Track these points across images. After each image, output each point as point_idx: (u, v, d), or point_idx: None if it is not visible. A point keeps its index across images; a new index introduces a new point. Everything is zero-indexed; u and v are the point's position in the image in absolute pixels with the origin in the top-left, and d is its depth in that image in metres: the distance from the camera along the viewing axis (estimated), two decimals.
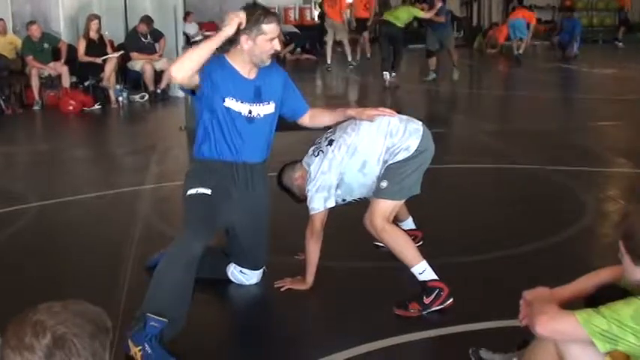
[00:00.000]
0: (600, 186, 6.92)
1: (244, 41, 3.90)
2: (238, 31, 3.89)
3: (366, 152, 4.15)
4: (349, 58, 17.03)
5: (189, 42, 16.52)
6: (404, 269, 4.12)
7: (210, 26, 20.84)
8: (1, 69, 11.75)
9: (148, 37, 12.87)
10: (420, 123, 4.26)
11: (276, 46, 3.96)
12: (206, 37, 4.02)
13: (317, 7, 23.30)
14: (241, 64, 4.00)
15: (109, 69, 12.07)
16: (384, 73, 13.85)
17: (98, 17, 12.30)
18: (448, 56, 14.19)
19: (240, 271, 4.40)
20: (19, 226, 5.80)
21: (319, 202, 4.17)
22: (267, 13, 3.95)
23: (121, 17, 13.76)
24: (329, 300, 4.32)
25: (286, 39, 20.20)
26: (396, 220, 4.80)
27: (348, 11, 17.77)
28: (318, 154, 4.24)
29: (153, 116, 12.08)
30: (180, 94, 11.79)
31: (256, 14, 3.90)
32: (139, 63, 12.71)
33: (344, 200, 4.40)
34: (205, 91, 3.95)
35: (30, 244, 5.40)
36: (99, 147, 9.66)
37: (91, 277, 4.70)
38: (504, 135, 9.43)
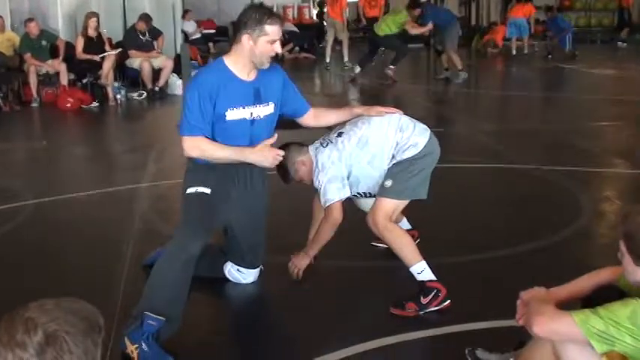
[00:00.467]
0: (598, 186, 6.93)
1: (246, 40, 3.87)
2: (240, 30, 3.87)
3: (376, 145, 4.17)
4: (346, 59, 17.03)
5: (188, 40, 16.56)
6: (401, 269, 4.12)
7: (209, 24, 20.88)
8: None
9: (147, 34, 12.85)
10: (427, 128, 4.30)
11: (277, 48, 3.93)
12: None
13: (316, 5, 23.32)
14: (240, 66, 3.95)
15: (107, 67, 12.06)
16: (356, 66, 14.28)
17: (96, 15, 12.29)
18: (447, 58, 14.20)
19: (238, 269, 4.40)
20: (16, 223, 5.79)
21: (334, 193, 4.18)
22: (271, 14, 3.93)
23: (119, 15, 13.76)
24: (326, 299, 4.32)
25: (285, 38, 20.22)
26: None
27: (348, 10, 17.73)
28: (327, 145, 4.24)
29: (151, 114, 12.07)
30: (178, 92, 11.84)
31: (260, 13, 3.88)
32: (137, 61, 12.69)
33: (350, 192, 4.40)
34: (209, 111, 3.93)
35: (26, 241, 5.39)
36: (96, 145, 9.65)
37: (87, 275, 4.69)
38: (502, 135, 9.44)
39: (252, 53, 3.90)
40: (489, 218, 5.85)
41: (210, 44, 20.58)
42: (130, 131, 10.83)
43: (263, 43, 3.87)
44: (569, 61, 18.00)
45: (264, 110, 4.03)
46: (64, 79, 11.87)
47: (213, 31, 21.14)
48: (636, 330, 2.39)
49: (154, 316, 3.49)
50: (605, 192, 6.70)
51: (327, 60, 17.18)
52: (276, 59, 4.16)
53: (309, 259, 4.39)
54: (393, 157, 4.15)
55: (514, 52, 19.19)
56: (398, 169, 4.11)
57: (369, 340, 3.68)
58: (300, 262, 4.39)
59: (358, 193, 4.42)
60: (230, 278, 4.43)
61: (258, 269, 4.42)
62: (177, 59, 12.23)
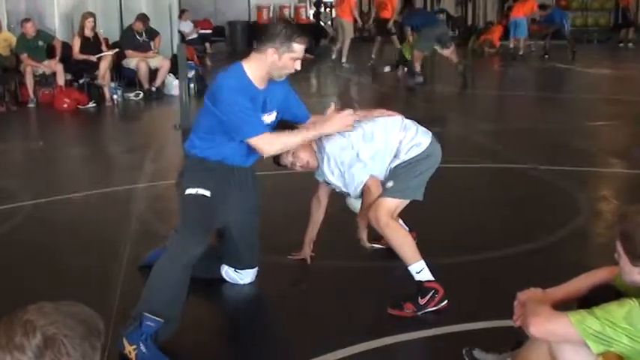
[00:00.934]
0: (594, 186, 6.94)
1: (270, 53, 3.90)
2: (267, 42, 3.91)
3: (381, 141, 4.19)
4: (343, 59, 17.03)
5: (184, 40, 16.53)
6: (399, 269, 4.12)
7: (205, 24, 20.88)
8: None
9: (144, 35, 12.85)
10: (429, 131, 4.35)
11: (298, 66, 3.97)
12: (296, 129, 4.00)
13: (312, 6, 23.33)
14: (257, 73, 3.95)
15: (104, 67, 12.05)
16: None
17: (93, 15, 12.29)
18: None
19: (235, 270, 4.41)
20: (13, 224, 5.78)
21: (360, 174, 4.20)
22: (301, 33, 3.97)
23: (115, 15, 13.76)
24: (323, 299, 4.32)
25: None
26: None
27: (357, 11, 17.71)
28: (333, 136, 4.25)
29: (147, 114, 12.07)
30: (175, 92, 11.83)
31: (290, 31, 3.93)
32: (133, 61, 12.69)
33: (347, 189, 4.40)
34: None
35: (23, 242, 5.38)
36: (93, 145, 9.64)
37: (84, 275, 4.69)
38: (499, 135, 9.44)
39: (273, 66, 3.92)
40: (486, 219, 5.85)
41: (207, 44, 20.58)
42: (126, 131, 10.82)
43: (287, 59, 3.91)
44: (565, 61, 18.01)
45: (268, 118, 4.05)
46: (61, 79, 11.86)
47: (209, 31, 21.15)
48: (633, 330, 2.40)
49: (153, 317, 3.50)
50: (602, 192, 6.71)
51: (344, 60, 17.27)
52: None
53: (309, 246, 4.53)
54: (396, 156, 4.17)
55: (512, 51, 19.19)
56: (401, 171, 4.14)
57: (366, 340, 3.68)
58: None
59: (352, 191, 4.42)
60: (227, 279, 4.43)
61: (255, 269, 4.43)
62: (174, 59, 12.19)
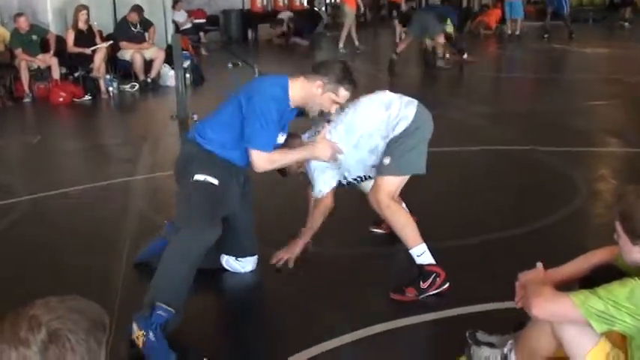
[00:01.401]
0: (593, 166, 6.94)
1: (317, 85, 3.94)
2: (320, 73, 3.96)
3: (361, 126, 4.20)
4: (340, 45, 16.98)
5: (178, 30, 16.49)
6: (400, 254, 4.13)
7: (199, 14, 20.82)
8: None
9: (138, 26, 12.80)
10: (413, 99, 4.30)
11: (333, 110, 4.05)
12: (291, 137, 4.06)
13: None
14: (297, 94, 3.99)
15: (99, 59, 12.00)
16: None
17: (86, 7, 12.22)
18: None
19: (236, 259, 4.40)
20: (11, 219, 5.77)
21: (320, 185, 4.28)
22: (351, 81, 4.03)
23: (109, 7, 13.68)
24: (325, 285, 4.32)
25: (289, 25, 20.28)
26: None
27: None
28: (315, 134, 4.25)
29: (143, 106, 12.03)
30: (171, 83, 11.79)
31: (344, 74, 3.99)
32: (128, 52, 12.64)
33: (345, 179, 4.40)
34: None
35: (21, 238, 5.37)
36: (90, 138, 9.62)
37: (84, 270, 4.67)
38: (496, 117, 9.44)
39: (313, 98, 3.97)
40: (485, 201, 5.85)
41: (201, 34, 20.52)
42: (123, 123, 10.79)
43: (327, 98, 3.97)
44: (562, 42, 17.98)
45: (280, 139, 4.10)
46: (56, 73, 11.81)
47: (203, 20, 21.09)
48: (635, 309, 2.40)
49: (166, 307, 3.50)
50: (600, 171, 6.71)
51: (357, 43, 17.35)
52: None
53: (302, 246, 4.41)
54: (386, 137, 4.16)
55: (509, 31, 19.17)
56: (394, 146, 4.13)
57: (369, 325, 3.69)
58: (292, 250, 4.42)
59: (356, 179, 4.43)
60: (228, 268, 4.43)
61: (256, 257, 4.43)
62: (169, 50, 12.15)
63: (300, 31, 20.60)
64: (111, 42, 12.51)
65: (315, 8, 22.32)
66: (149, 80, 12.62)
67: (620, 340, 2.61)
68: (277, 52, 19.67)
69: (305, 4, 22.84)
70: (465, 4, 25.60)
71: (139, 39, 12.79)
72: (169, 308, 3.51)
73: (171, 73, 11.67)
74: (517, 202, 5.80)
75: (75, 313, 1.59)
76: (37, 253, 5.01)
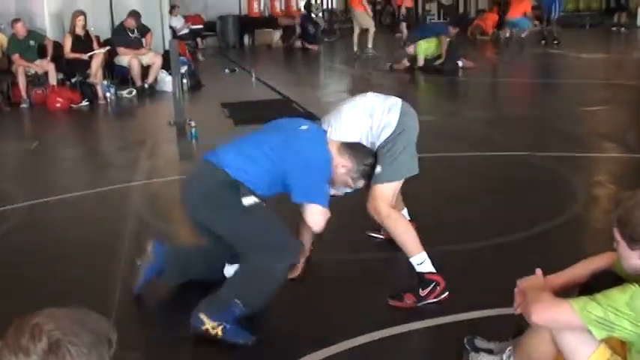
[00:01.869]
0: (590, 171, 6.95)
1: (344, 166, 3.97)
2: (352, 154, 3.99)
3: (347, 138, 4.15)
4: (369, 45, 16.88)
5: (176, 35, 16.51)
6: (399, 260, 4.12)
7: (196, 19, 20.86)
8: None
9: (135, 31, 12.81)
10: (399, 99, 4.28)
11: (340, 193, 4.15)
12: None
13: None
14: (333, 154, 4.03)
15: (96, 65, 12.01)
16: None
17: (83, 13, 12.23)
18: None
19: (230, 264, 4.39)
20: (9, 225, 5.76)
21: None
22: (368, 179, 4.07)
23: (106, 12, 13.69)
24: (323, 292, 4.32)
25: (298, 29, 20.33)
26: None
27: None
28: None
29: (141, 111, 12.03)
30: (168, 88, 11.80)
31: (367, 170, 4.03)
32: (125, 58, 12.65)
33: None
34: None
35: (20, 243, 5.36)
36: (88, 144, 9.62)
37: (82, 275, 4.67)
38: (493, 122, 9.45)
39: (335, 170, 3.95)
40: (482, 206, 5.85)
41: (199, 39, 20.56)
42: (120, 129, 10.79)
43: (344, 179, 4.01)
44: (558, 47, 18.02)
45: None
46: (53, 78, 11.81)
47: (200, 26, 21.14)
48: (635, 315, 2.40)
49: (242, 305, 3.64)
50: (597, 177, 6.71)
51: (355, 49, 17.33)
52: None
53: (303, 264, 4.39)
54: (372, 143, 4.15)
55: (507, 35, 19.23)
56: (382, 152, 4.11)
57: (368, 332, 3.68)
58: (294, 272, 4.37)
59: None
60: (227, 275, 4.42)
61: None
62: (166, 55, 12.16)
63: (309, 36, 20.62)
64: (108, 47, 12.53)
65: (312, 13, 22.32)
66: (146, 86, 12.63)
67: (619, 347, 2.61)
68: (274, 58, 19.69)
69: (302, 9, 22.85)
70: (461, 9, 25.70)
71: (136, 45, 12.81)
72: (245, 307, 3.65)
73: (169, 78, 11.69)
74: (515, 208, 5.80)
75: (79, 325, 1.59)
76: (35, 260, 4.99)
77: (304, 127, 3.99)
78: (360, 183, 4.06)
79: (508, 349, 2.99)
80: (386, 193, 4.11)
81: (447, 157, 7.41)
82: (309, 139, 3.91)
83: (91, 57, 12.05)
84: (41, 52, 12.02)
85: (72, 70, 12.15)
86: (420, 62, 14.22)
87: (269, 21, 22.69)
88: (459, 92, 13.34)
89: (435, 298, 3.99)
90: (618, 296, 2.43)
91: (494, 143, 8.10)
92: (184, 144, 8.89)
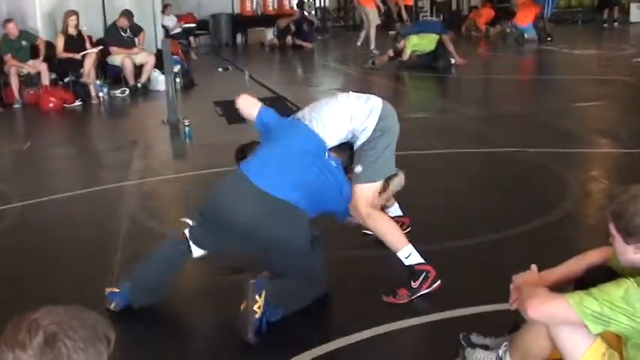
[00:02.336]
0: (583, 166, 6.96)
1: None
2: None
3: (328, 139, 4.14)
4: (372, 46, 16.85)
5: (168, 34, 16.48)
6: (392, 257, 4.12)
7: (189, 18, 20.83)
8: None
9: (128, 31, 12.78)
10: (380, 100, 4.26)
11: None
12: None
13: None
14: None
15: (89, 64, 11.98)
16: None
17: (76, 13, 12.19)
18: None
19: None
20: (2, 227, 5.74)
21: None
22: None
23: (98, 12, 13.66)
24: None
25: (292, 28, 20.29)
26: (383, 207, 4.81)
27: None
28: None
29: (134, 111, 12.01)
30: (161, 87, 11.78)
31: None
32: (118, 57, 12.62)
33: None
34: None
35: (14, 244, 5.34)
36: (81, 144, 9.60)
37: (76, 275, 4.66)
38: (487, 119, 9.46)
39: None
40: (477, 203, 5.86)
41: (191, 38, 20.53)
42: (113, 129, 10.77)
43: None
44: (551, 43, 18.04)
45: None
46: (46, 79, 11.78)
47: (193, 25, 21.11)
48: (630, 309, 2.40)
49: (282, 314, 3.77)
50: (591, 172, 6.72)
51: (359, 44, 17.25)
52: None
53: None
54: (352, 144, 4.17)
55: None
56: (362, 153, 4.13)
57: (363, 329, 3.68)
58: None
59: None
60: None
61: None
62: (159, 55, 12.14)
63: (304, 35, 20.58)
64: (101, 47, 12.49)
65: (305, 12, 22.30)
66: (139, 85, 12.60)
67: (614, 341, 2.62)
68: (267, 56, 19.68)
69: (295, 7, 22.82)
70: (454, 6, 25.71)
71: (128, 44, 12.78)
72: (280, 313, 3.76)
73: (162, 77, 11.68)
74: (508, 203, 5.81)
75: (76, 320, 1.59)
76: (28, 260, 4.98)
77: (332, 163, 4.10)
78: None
79: (504, 344, 2.99)
80: (366, 194, 4.13)
81: (442, 153, 7.42)
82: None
83: (83, 57, 12.02)
84: (33, 52, 11.98)
85: (64, 70, 12.11)
86: (405, 56, 14.21)
87: (262, 19, 22.68)
88: (452, 89, 13.35)
89: (427, 288, 4.00)
90: (614, 290, 2.44)
91: (487, 140, 8.10)
92: (178, 143, 8.88)
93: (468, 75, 14.13)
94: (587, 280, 2.69)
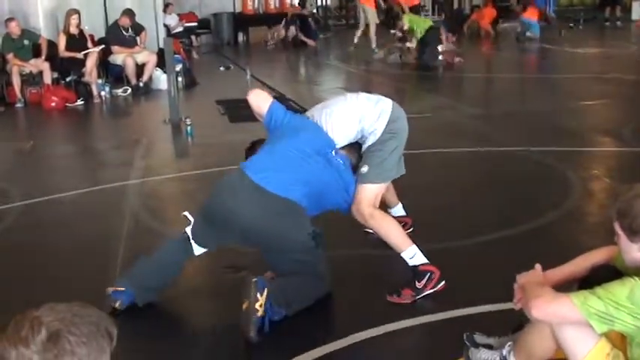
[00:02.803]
0: (587, 165, 6.94)
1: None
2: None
3: (337, 139, 4.15)
4: (373, 45, 16.81)
5: (170, 33, 16.48)
6: (395, 257, 4.11)
7: (190, 17, 20.81)
8: None
9: (130, 30, 12.78)
10: (390, 102, 4.25)
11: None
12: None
13: None
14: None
15: (91, 64, 11.97)
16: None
17: (78, 12, 12.18)
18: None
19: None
20: (5, 225, 5.74)
21: None
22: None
23: (100, 11, 13.66)
24: None
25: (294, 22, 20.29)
26: (386, 207, 4.81)
27: None
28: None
29: (136, 110, 12.00)
30: (163, 87, 11.76)
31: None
32: (120, 57, 12.62)
33: None
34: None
35: (16, 243, 5.34)
36: (83, 143, 9.58)
37: (78, 274, 4.66)
38: (489, 118, 9.44)
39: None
40: (481, 202, 5.85)
41: (193, 37, 20.52)
42: (115, 128, 10.76)
43: None
44: (554, 42, 18.02)
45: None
46: (48, 78, 11.77)
47: (195, 23, 21.10)
48: (636, 309, 2.39)
49: (284, 313, 3.74)
50: (594, 171, 6.71)
51: (355, 40, 17.36)
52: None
53: None
54: (364, 143, 4.17)
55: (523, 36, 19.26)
56: (370, 154, 4.14)
57: (367, 329, 3.67)
58: None
59: None
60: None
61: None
62: (161, 54, 12.13)
63: (309, 31, 20.56)
64: (102, 46, 12.48)
65: (307, 10, 22.29)
66: (141, 84, 12.59)
67: (619, 341, 2.61)
68: (269, 55, 19.66)
69: (296, 5, 22.81)
70: (456, 5, 25.69)
71: (130, 43, 12.77)
72: (282, 312, 3.74)
73: (164, 76, 11.65)
74: (512, 203, 5.80)
75: (78, 317, 1.59)
76: (31, 259, 4.98)
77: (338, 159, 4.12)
78: None
79: (508, 344, 2.98)
80: (370, 194, 4.12)
81: (445, 152, 7.41)
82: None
83: (85, 56, 12.02)
84: (35, 51, 11.98)
85: (66, 69, 12.11)
86: (410, 39, 14.57)
87: (264, 18, 22.67)
88: (454, 88, 13.32)
89: (432, 288, 3.99)
90: (618, 290, 2.43)
91: (490, 139, 8.08)
92: (180, 142, 8.88)
93: (470, 74, 14.12)
94: (591, 280, 2.68)
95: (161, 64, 11.99)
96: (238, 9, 22.67)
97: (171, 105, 9.64)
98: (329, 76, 15.59)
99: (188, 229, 4.06)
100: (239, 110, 10.17)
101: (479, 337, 3.25)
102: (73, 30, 12.07)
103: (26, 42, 11.90)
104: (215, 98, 11.37)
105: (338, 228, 4.81)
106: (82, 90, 12.00)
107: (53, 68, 11.97)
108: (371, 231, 4.72)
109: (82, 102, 11.79)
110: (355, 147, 4.21)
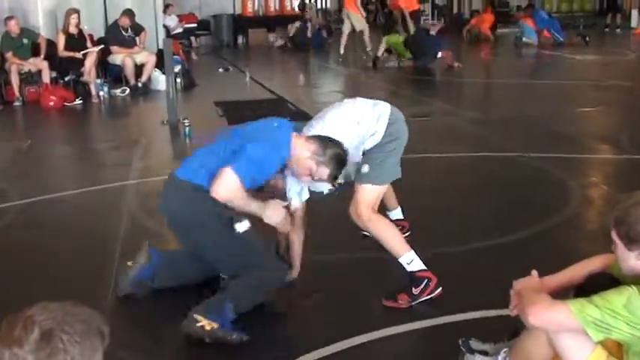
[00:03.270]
0: (584, 172, 6.95)
1: (311, 150, 3.90)
2: (319, 141, 3.94)
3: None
4: (368, 48, 16.78)
5: (170, 34, 16.48)
6: (392, 260, 4.11)
7: (190, 18, 20.82)
8: None
9: (129, 30, 12.77)
10: (388, 105, 4.25)
11: (302, 178, 4.04)
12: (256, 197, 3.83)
13: None
14: (293, 154, 3.96)
15: (90, 63, 11.97)
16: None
17: (77, 11, 12.18)
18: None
19: None
20: (2, 224, 5.74)
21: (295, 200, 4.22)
22: (337, 175, 4.00)
23: (100, 11, 13.66)
24: (317, 294, 4.29)
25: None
26: (385, 210, 4.81)
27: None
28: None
29: (134, 110, 12.00)
30: (162, 87, 11.76)
31: (338, 164, 3.94)
32: (119, 57, 12.61)
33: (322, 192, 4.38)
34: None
35: (13, 242, 5.34)
36: (81, 142, 9.57)
37: (76, 274, 4.66)
38: (488, 123, 9.44)
39: (298, 157, 3.92)
40: (477, 207, 5.85)
41: (193, 38, 20.53)
42: (114, 128, 10.76)
43: (307, 166, 3.92)
44: (553, 48, 18.05)
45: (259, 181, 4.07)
46: (47, 77, 11.76)
47: (194, 25, 21.11)
48: (632, 317, 2.39)
49: (235, 312, 3.71)
50: (592, 178, 6.71)
51: (341, 51, 17.11)
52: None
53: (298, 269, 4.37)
54: (358, 147, 4.14)
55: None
56: (370, 155, 4.13)
57: (362, 333, 3.67)
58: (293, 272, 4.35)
59: (330, 189, 4.40)
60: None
61: None
62: (160, 54, 12.13)
63: (321, 40, 20.63)
64: (102, 46, 12.48)
65: (307, 13, 22.29)
66: (140, 85, 12.59)
67: (615, 349, 2.60)
68: (268, 58, 19.67)
69: (296, 9, 22.83)
70: (455, 10, 25.72)
71: (129, 43, 12.77)
72: (235, 314, 3.72)
73: (162, 77, 11.66)
74: (509, 208, 5.80)
75: (71, 316, 1.60)
76: (29, 258, 4.98)
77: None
78: (324, 171, 3.91)
79: (503, 350, 2.98)
80: (369, 197, 4.12)
81: (443, 157, 7.41)
82: (271, 130, 3.99)
83: (84, 55, 12.01)
84: (34, 50, 11.97)
85: (65, 68, 12.11)
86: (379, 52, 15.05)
87: (263, 20, 22.70)
88: (452, 92, 13.32)
89: (428, 295, 3.99)
90: (615, 298, 2.43)
91: (488, 144, 8.09)
92: (178, 143, 8.87)
93: (469, 79, 14.13)
94: (588, 287, 2.68)
95: (160, 64, 11.99)
96: (238, 11, 22.68)
97: (170, 106, 9.63)
98: (327, 80, 15.60)
99: None
100: (237, 112, 10.18)
101: (474, 343, 3.25)
102: (73, 29, 12.06)
103: (25, 41, 11.89)
104: (214, 100, 11.37)
105: (335, 231, 4.82)
106: (81, 89, 11.99)
107: (52, 67, 11.96)
108: (368, 234, 4.73)
109: (81, 102, 11.78)
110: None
